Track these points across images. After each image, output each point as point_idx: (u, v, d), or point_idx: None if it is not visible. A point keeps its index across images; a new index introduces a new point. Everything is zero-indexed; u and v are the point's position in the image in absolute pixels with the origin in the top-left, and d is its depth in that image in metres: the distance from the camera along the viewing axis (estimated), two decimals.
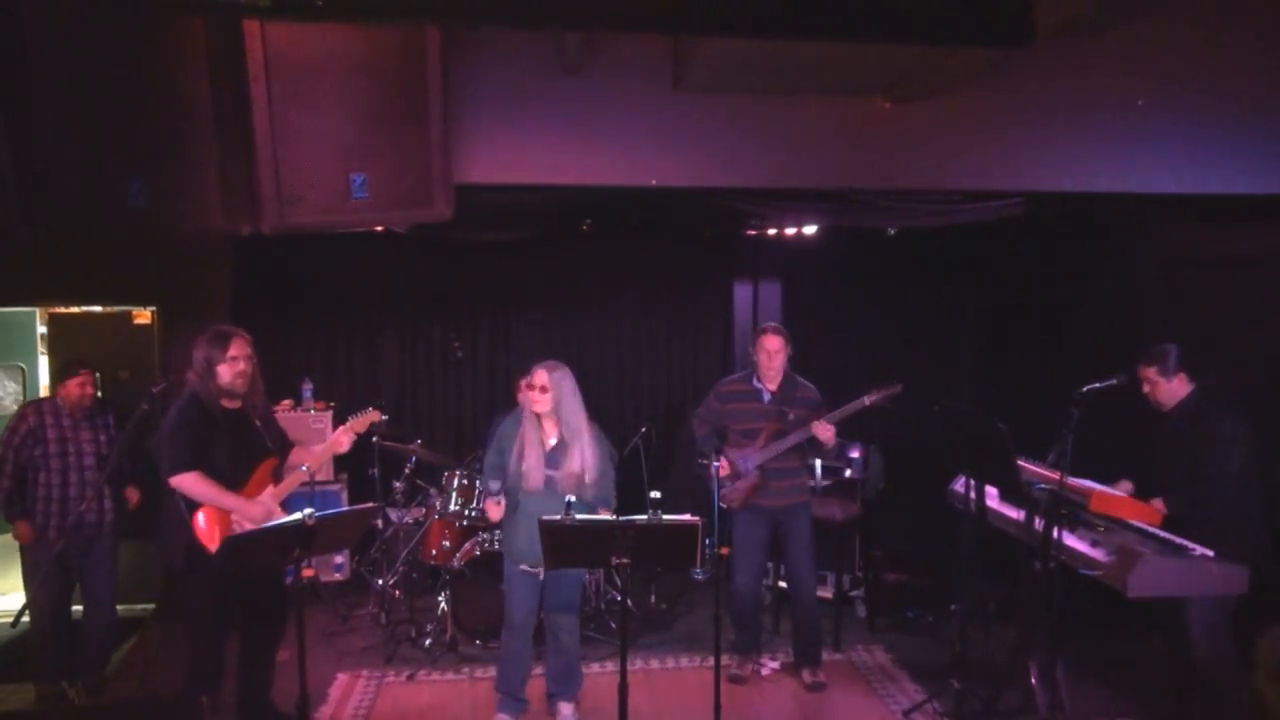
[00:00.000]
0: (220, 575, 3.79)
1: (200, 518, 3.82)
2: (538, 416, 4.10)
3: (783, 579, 5.40)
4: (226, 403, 3.92)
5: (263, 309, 6.36)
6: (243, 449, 3.94)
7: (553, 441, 4.10)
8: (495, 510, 4.08)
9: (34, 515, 4.50)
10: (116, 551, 4.75)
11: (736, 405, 4.74)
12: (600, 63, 3.88)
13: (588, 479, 4.03)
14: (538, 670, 4.45)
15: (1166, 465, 3.99)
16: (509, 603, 4.21)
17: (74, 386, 4.54)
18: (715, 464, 4.49)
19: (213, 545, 3.78)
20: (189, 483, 3.78)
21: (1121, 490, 4.09)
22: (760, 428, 4.64)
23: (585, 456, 4.04)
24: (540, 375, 4.05)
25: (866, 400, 4.47)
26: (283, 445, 4.19)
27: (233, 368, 3.86)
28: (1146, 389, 4.04)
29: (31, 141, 3.28)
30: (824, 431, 4.46)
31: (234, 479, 3.89)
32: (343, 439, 4.08)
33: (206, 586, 3.91)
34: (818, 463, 5.63)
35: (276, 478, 4.04)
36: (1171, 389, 3.98)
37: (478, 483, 5.26)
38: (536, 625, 4.44)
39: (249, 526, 3.81)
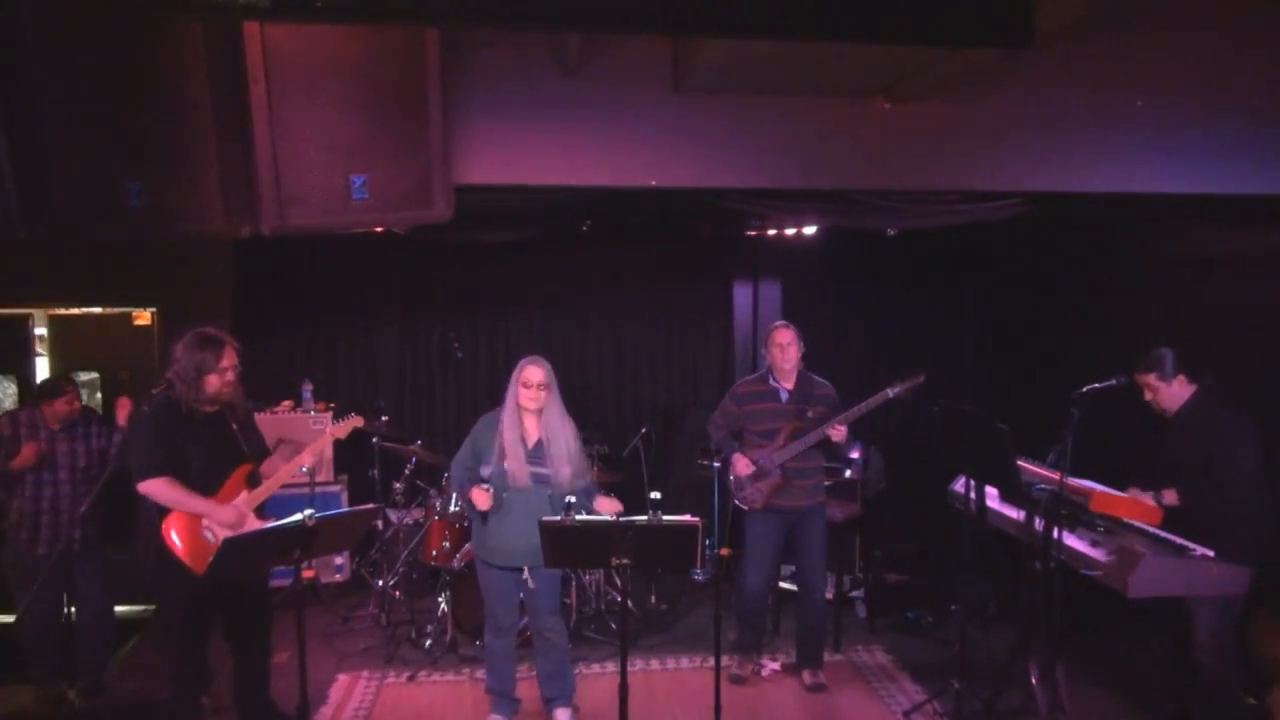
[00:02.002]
0: (196, 581, 3.70)
1: (169, 523, 3.73)
2: (521, 414, 4.08)
3: (786, 580, 5.41)
4: (205, 407, 3.83)
5: (263, 310, 6.38)
6: (217, 454, 3.85)
7: (535, 438, 4.08)
8: (484, 498, 3.99)
9: (17, 525, 4.53)
10: (106, 556, 4.74)
11: (754, 406, 4.70)
12: (600, 63, 3.87)
13: (572, 469, 4.06)
14: (532, 672, 4.45)
15: (1176, 467, 3.97)
16: (491, 605, 4.17)
17: (62, 405, 4.53)
18: (716, 465, 4.49)
19: (180, 550, 3.71)
20: (157, 488, 3.69)
21: (1133, 495, 4.06)
22: (779, 427, 4.60)
23: (571, 450, 4.07)
24: (537, 373, 4.04)
25: (890, 393, 4.42)
26: (260, 451, 4.10)
27: (222, 378, 3.80)
28: (1148, 396, 4.01)
29: (31, 143, 3.28)
30: (836, 434, 4.44)
31: (207, 484, 3.79)
32: (307, 458, 4.08)
33: (179, 592, 3.80)
34: None
35: (251, 484, 3.94)
36: (1173, 393, 3.96)
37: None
38: (522, 629, 4.44)
39: (220, 531, 3.74)
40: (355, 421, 4.25)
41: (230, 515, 3.80)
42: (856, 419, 4.49)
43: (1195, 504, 3.83)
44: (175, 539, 3.73)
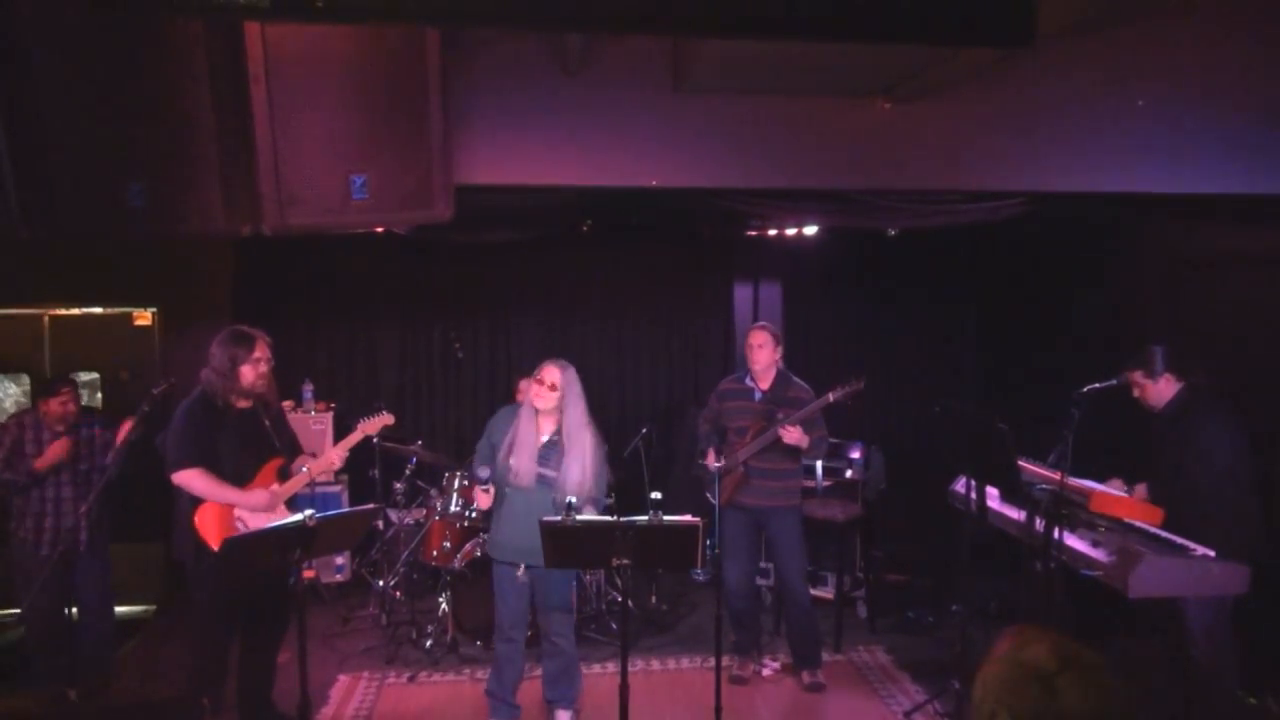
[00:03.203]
0: (226, 575, 3.80)
1: (202, 515, 3.85)
2: (536, 412, 4.08)
3: None
4: (239, 402, 3.95)
5: (263, 310, 6.36)
6: (249, 448, 3.97)
7: (545, 439, 4.07)
8: (484, 498, 4.05)
9: (20, 525, 4.53)
10: (107, 556, 4.74)
11: (731, 403, 4.78)
12: (600, 63, 3.88)
13: (582, 479, 3.99)
14: (536, 673, 4.44)
15: (1155, 463, 4.01)
16: (496, 604, 4.17)
17: (56, 405, 4.53)
18: (702, 462, 4.51)
19: (214, 542, 3.80)
20: (190, 479, 3.82)
21: (1111, 488, 4.10)
22: (748, 425, 4.65)
23: (585, 462, 4.00)
24: (553, 372, 4.03)
25: (830, 397, 4.48)
26: (292, 447, 4.21)
27: (255, 369, 3.93)
28: (1136, 393, 4.07)
29: (31, 143, 3.27)
30: (788, 435, 4.45)
31: (239, 477, 3.92)
32: (335, 457, 4.15)
33: (212, 585, 3.92)
34: (818, 464, 5.64)
35: (282, 478, 4.06)
36: (1159, 390, 4.00)
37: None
38: (533, 629, 4.43)
39: (251, 520, 3.83)
40: (386, 419, 4.32)
41: (263, 498, 3.93)
42: (810, 423, 4.51)
43: (1166, 499, 3.86)
44: (208, 529, 3.83)
